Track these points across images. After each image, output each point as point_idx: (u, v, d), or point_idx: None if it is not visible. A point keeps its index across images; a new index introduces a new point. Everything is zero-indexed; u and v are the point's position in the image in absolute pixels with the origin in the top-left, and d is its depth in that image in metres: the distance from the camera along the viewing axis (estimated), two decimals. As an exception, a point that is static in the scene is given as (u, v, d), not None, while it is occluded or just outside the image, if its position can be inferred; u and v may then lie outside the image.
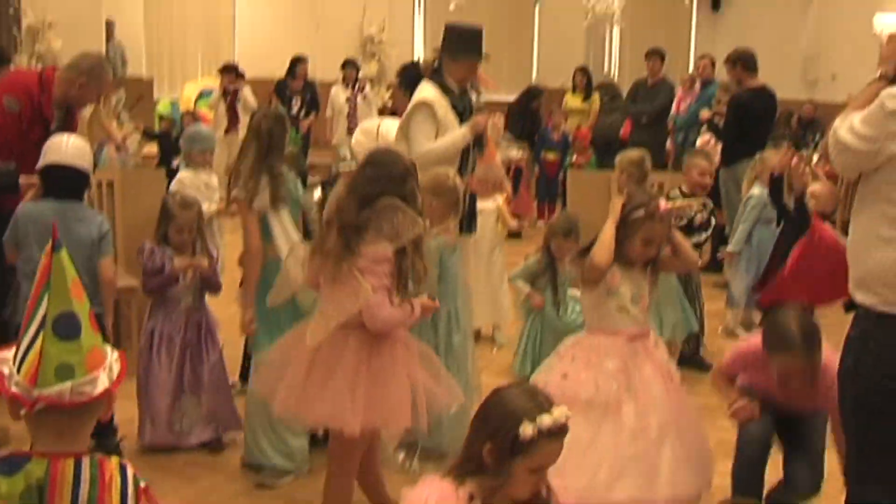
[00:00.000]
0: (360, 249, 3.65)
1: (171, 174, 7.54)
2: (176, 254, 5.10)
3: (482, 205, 6.40)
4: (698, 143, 10.05)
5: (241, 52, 17.70)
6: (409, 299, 3.74)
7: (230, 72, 12.54)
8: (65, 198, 4.76)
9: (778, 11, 15.40)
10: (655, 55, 11.18)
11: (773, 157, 6.88)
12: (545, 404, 2.69)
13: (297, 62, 12.93)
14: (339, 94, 12.54)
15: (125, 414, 4.82)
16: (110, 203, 6.74)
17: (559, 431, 2.67)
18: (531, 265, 6.36)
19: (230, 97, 12.28)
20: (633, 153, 6.75)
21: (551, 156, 11.61)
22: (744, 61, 8.76)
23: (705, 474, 4.20)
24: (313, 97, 12.84)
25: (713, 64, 11.03)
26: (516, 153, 9.69)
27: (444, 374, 3.89)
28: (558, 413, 2.67)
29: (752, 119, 8.41)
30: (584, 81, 12.64)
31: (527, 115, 12.08)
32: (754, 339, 4.19)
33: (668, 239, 4.29)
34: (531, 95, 12.31)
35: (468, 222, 5.68)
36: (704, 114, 9.65)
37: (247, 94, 12.34)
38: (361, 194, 3.72)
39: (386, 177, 3.76)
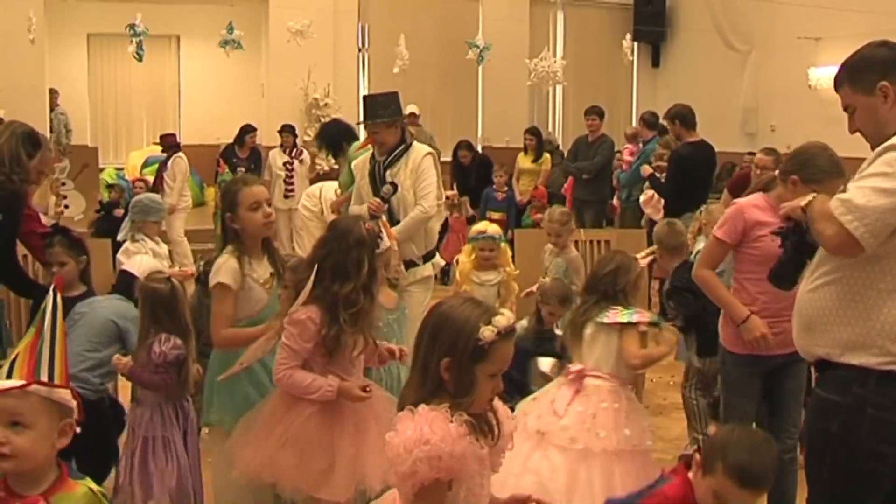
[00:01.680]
0: (293, 309, 3.77)
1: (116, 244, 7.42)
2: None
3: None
4: (642, 199, 10.14)
5: (186, 118, 17.71)
6: (331, 375, 3.77)
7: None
8: None
9: (716, 67, 15.73)
10: (594, 112, 11.33)
11: (717, 209, 6.98)
12: (491, 309, 2.71)
13: (245, 132, 12.93)
14: (277, 159, 12.51)
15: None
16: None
17: (512, 331, 2.68)
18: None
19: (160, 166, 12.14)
20: (556, 210, 7.03)
21: (496, 215, 11.63)
22: (681, 118, 8.89)
23: None
24: (257, 163, 12.83)
25: (648, 123, 11.21)
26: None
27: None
28: (508, 315, 2.68)
29: (692, 173, 8.53)
30: (535, 142, 12.78)
31: (460, 171, 12.26)
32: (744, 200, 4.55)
33: None
34: (456, 149, 12.76)
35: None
36: (646, 169, 9.77)
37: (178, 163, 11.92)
38: (311, 257, 3.89)
39: (335, 242, 3.84)
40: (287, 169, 12.29)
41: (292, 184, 12.21)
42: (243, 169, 12.77)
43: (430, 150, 6.06)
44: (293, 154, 12.48)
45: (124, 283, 5.17)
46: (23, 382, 2.39)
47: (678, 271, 5.83)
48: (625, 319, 4.48)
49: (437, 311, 2.75)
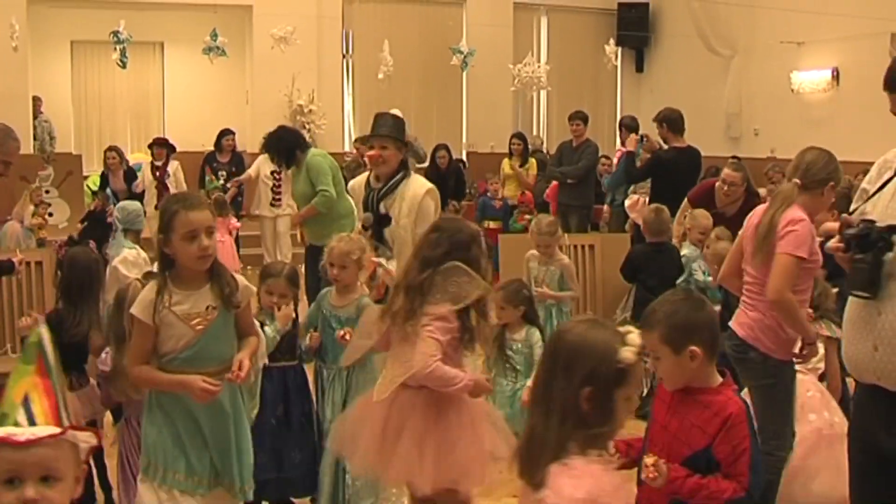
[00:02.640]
0: (423, 310, 3.79)
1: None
2: None
3: None
4: (627, 203, 10.17)
5: (170, 125, 17.68)
6: (465, 370, 3.88)
7: (160, 146, 12.49)
8: None
9: (700, 71, 15.81)
10: (578, 118, 11.30)
11: (702, 214, 6.99)
12: (618, 329, 2.62)
13: (222, 135, 12.89)
14: (265, 167, 12.23)
15: None
16: (39, 281, 6.65)
17: (643, 349, 2.60)
18: None
19: (160, 172, 12.20)
20: (544, 221, 7.10)
21: (493, 224, 11.67)
22: (669, 121, 8.89)
23: None
24: (239, 169, 12.76)
25: (628, 128, 11.18)
26: None
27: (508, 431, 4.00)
28: (635, 331, 2.60)
29: (674, 177, 8.52)
30: (521, 147, 12.79)
31: (437, 174, 12.28)
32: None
33: None
34: (434, 151, 12.84)
35: None
36: (626, 147, 9.80)
37: (175, 168, 12.32)
38: (425, 257, 3.89)
39: (449, 241, 3.90)
40: (275, 178, 12.12)
41: (279, 192, 12.08)
42: (224, 174, 12.73)
43: (430, 186, 5.73)
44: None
45: None
46: (58, 430, 2.08)
47: None
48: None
49: (563, 339, 2.62)
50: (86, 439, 2.14)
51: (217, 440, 3.74)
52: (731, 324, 4.62)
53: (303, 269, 7.33)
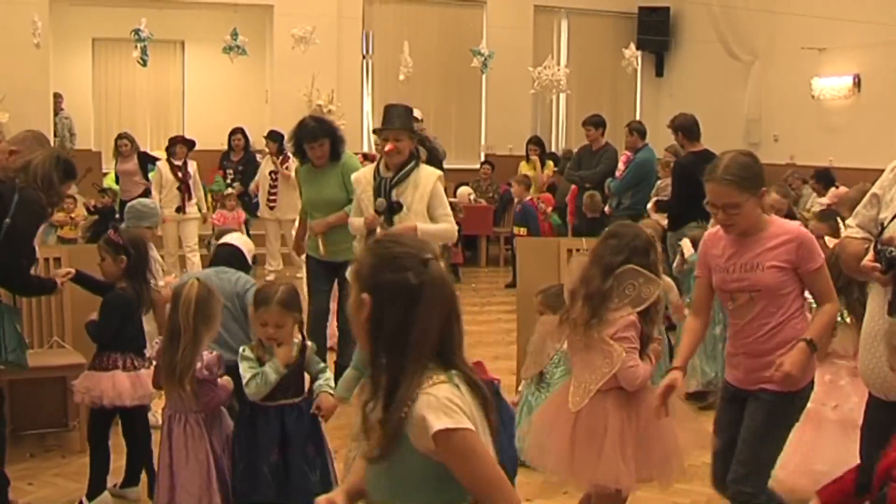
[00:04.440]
0: (606, 316, 3.92)
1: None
2: None
3: None
4: (648, 206, 10.15)
5: (190, 124, 17.72)
6: (647, 354, 4.06)
7: (182, 144, 11.79)
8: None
9: (720, 76, 15.74)
10: (590, 123, 11.20)
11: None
12: None
13: (232, 134, 12.87)
14: (266, 166, 12.12)
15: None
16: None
17: None
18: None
19: (182, 173, 11.56)
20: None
21: (522, 230, 11.73)
22: (684, 129, 8.90)
23: None
24: (248, 168, 12.69)
25: (637, 132, 11.13)
26: None
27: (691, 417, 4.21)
28: None
29: (694, 182, 8.49)
30: (539, 151, 12.80)
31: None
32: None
33: None
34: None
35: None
36: (652, 206, 9.82)
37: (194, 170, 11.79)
38: (606, 264, 4.00)
39: (628, 247, 4.02)
40: (272, 178, 11.99)
41: (275, 194, 11.84)
42: (232, 172, 12.72)
43: (439, 172, 6.09)
44: (281, 162, 11.85)
45: (229, 255, 5.53)
46: None
47: None
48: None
49: None
50: None
51: None
52: None
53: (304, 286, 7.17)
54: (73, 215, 10.92)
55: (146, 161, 12.42)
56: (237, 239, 5.83)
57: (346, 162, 6.96)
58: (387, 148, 5.83)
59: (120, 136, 12.70)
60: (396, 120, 5.89)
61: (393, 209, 5.78)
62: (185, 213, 11.41)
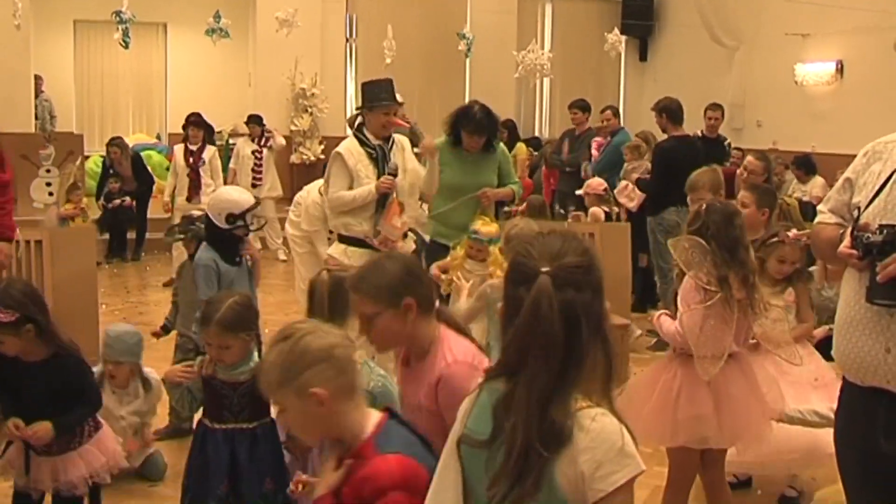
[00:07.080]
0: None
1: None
2: None
3: None
4: (616, 189, 10.08)
5: (172, 106, 17.65)
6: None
7: (196, 126, 10.83)
8: None
9: (704, 62, 15.76)
10: (576, 106, 11.29)
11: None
12: None
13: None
14: (245, 148, 12.29)
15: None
16: (38, 261, 6.63)
17: None
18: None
19: (194, 158, 10.61)
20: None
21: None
22: (668, 111, 8.90)
23: None
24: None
25: (616, 114, 11.23)
26: None
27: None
28: None
29: (674, 165, 8.51)
30: (507, 135, 12.78)
31: None
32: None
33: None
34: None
35: None
36: (625, 185, 9.78)
37: (212, 155, 10.91)
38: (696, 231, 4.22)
39: (716, 224, 4.17)
40: (256, 157, 12.10)
41: (260, 172, 12.08)
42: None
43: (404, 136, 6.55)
44: (262, 143, 12.17)
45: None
46: None
47: None
48: None
49: None
50: None
51: None
52: None
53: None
54: (82, 206, 10.66)
55: (139, 164, 12.60)
56: (232, 192, 5.74)
57: (501, 147, 6.98)
58: (396, 119, 6.34)
59: (110, 143, 12.50)
60: (392, 95, 6.17)
61: (395, 174, 6.01)
62: (199, 202, 9.95)
